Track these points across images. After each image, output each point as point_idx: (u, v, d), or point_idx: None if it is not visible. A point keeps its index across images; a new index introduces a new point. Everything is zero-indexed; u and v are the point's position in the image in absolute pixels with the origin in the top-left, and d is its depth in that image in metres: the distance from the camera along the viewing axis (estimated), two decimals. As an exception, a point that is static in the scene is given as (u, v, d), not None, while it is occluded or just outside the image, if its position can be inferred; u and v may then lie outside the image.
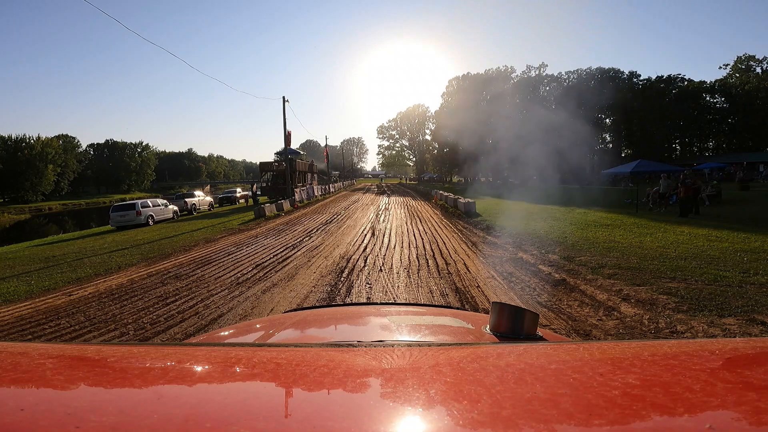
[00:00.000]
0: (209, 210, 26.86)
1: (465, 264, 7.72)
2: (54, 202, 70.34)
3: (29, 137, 70.83)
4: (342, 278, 7.02)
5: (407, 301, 5.58)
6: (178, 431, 0.36)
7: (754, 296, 4.71)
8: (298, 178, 33.27)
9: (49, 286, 7.33)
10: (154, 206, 20.02)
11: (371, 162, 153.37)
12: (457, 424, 0.36)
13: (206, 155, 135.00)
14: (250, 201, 28.62)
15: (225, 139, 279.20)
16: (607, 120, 60.17)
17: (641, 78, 58.40)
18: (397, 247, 9.83)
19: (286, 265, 8.28)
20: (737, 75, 54.79)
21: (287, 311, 1.84)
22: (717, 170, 35.06)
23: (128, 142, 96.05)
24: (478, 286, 6.20)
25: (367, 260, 8.39)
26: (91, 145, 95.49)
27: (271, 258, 9.03)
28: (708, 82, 56.73)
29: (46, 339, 4.85)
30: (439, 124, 65.48)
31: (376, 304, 3.94)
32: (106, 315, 5.56)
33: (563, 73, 60.33)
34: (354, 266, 7.90)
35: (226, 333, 1.60)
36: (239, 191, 34.74)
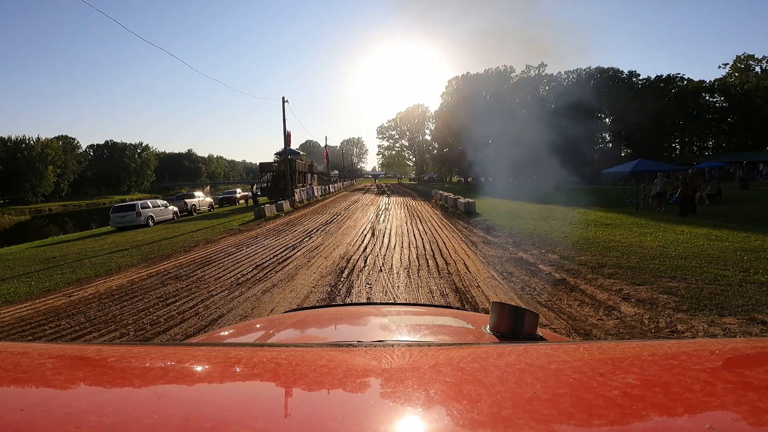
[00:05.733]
0: (209, 211, 26.85)
1: (465, 264, 7.72)
2: (54, 203, 70.36)
3: (29, 138, 70.94)
4: (342, 278, 7.02)
5: (407, 301, 5.58)
6: (178, 431, 0.36)
7: (754, 295, 4.71)
8: (298, 178, 33.26)
9: (49, 287, 7.33)
10: (154, 207, 20.01)
11: (371, 162, 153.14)
12: (457, 424, 0.36)
13: (206, 156, 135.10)
14: (250, 201, 28.60)
15: (225, 140, 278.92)
16: (607, 120, 60.18)
17: (641, 78, 58.45)
18: (397, 247, 9.83)
19: (286, 265, 8.28)
20: (736, 74, 54.77)
21: (287, 311, 1.84)
22: (717, 169, 35.06)
23: (128, 142, 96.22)
24: (478, 286, 6.20)
25: (367, 260, 8.39)
26: (91, 146, 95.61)
27: (271, 258, 9.03)
28: (707, 81, 56.74)
29: (46, 340, 4.84)
30: (438, 124, 65.51)
31: (376, 304, 3.94)
32: (106, 316, 5.56)
33: (563, 72, 60.37)
34: (354, 266, 7.90)
35: (226, 333, 1.60)
36: (239, 192, 34.73)
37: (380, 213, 18.96)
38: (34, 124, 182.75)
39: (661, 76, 57.56)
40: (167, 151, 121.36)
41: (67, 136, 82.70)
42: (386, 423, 0.37)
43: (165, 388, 0.47)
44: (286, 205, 21.57)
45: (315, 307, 2.28)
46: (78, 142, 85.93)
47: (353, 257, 8.77)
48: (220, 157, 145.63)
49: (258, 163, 36.00)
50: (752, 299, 4.59)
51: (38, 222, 46.59)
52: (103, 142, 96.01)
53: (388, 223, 14.68)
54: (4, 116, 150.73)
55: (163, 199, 23.33)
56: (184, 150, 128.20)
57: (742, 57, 55.00)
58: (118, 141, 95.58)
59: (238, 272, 7.81)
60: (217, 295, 6.33)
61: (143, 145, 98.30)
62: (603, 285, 5.59)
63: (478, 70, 60.40)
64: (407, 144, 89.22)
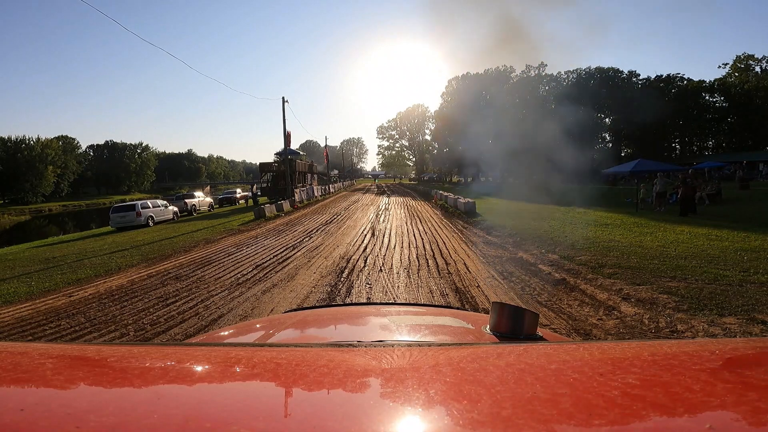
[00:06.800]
0: (209, 211, 26.85)
1: (465, 264, 7.72)
2: (54, 203, 70.38)
3: (29, 138, 70.97)
4: (342, 278, 7.02)
5: (407, 301, 5.58)
6: (178, 431, 0.36)
7: (754, 295, 4.71)
8: (298, 178, 33.26)
9: (49, 287, 7.33)
10: (154, 207, 20.00)
11: (371, 162, 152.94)
12: (457, 424, 0.36)
13: (206, 156, 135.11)
14: (250, 202, 28.60)
15: (225, 140, 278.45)
16: (607, 120, 60.21)
17: (640, 77, 58.49)
18: (397, 247, 9.83)
19: (286, 265, 8.28)
20: (736, 74, 54.77)
21: (287, 311, 1.84)
22: (716, 169, 35.05)
23: (128, 143, 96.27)
24: (478, 286, 6.20)
25: (367, 260, 8.39)
26: (91, 146, 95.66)
27: (271, 258, 9.03)
28: (707, 81, 56.76)
29: (46, 340, 4.84)
30: (438, 124, 65.57)
31: (376, 304, 3.94)
32: (106, 316, 5.56)
33: (562, 72, 60.36)
34: (354, 266, 7.90)
35: (226, 333, 1.60)
36: (239, 192, 34.72)
37: (380, 213, 18.96)
38: (34, 124, 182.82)
39: (661, 76, 57.65)
40: (167, 151, 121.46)
41: (67, 137, 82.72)
42: (386, 423, 0.37)
43: (165, 388, 0.47)
44: (286, 205, 21.57)
45: (315, 307, 2.28)
46: (78, 143, 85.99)
47: (353, 257, 8.77)
48: (220, 157, 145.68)
49: (258, 163, 36.00)
50: (752, 299, 4.59)
51: (38, 222, 46.60)
52: (103, 143, 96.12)
53: (388, 223, 14.68)
54: (4, 116, 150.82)
55: (163, 199, 23.32)
56: (184, 150, 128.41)
57: (742, 57, 54.99)
58: (118, 141, 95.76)
59: (238, 272, 7.81)
60: (217, 295, 6.33)
61: (143, 145, 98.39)
62: (603, 285, 5.59)
63: (478, 70, 60.41)
64: (407, 144, 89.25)
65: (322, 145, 58.01)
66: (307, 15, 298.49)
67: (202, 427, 0.36)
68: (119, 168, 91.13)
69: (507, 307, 1.00)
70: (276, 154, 35.56)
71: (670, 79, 57.37)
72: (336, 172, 74.74)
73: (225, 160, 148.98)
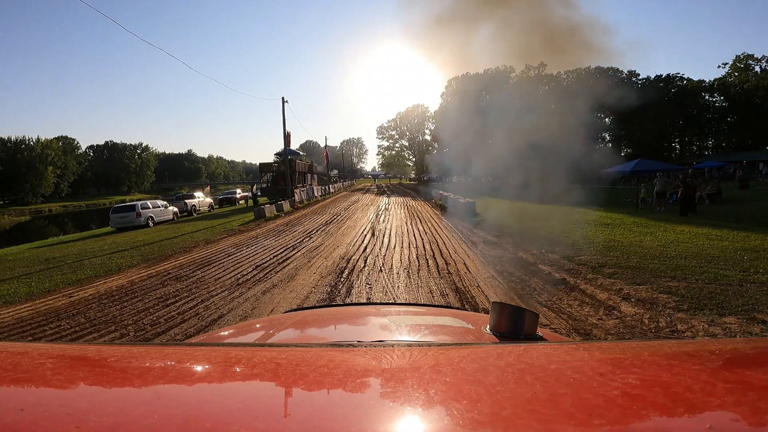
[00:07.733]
0: (209, 211, 26.84)
1: (465, 264, 7.72)
2: (54, 203, 70.38)
3: (29, 139, 71.00)
4: (342, 279, 7.02)
5: (407, 301, 5.58)
6: (178, 431, 0.36)
7: (754, 295, 4.71)
8: (298, 178, 33.24)
9: (49, 288, 7.33)
10: (154, 207, 19.99)
11: (371, 162, 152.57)
12: (457, 424, 0.36)
13: (206, 156, 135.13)
14: (250, 202, 28.63)
15: (224, 140, 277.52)
16: (607, 119, 60.21)
17: (640, 77, 58.44)
18: (397, 247, 9.83)
19: (286, 265, 8.28)
20: (736, 74, 54.78)
21: (287, 311, 1.84)
22: (716, 169, 35.07)
23: (128, 143, 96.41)
24: (478, 286, 6.20)
25: (367, 261, 8.39)
26: (91, 147, 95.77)
27: (271, 259, 9.02)
28: (707, 81, 56.76)
29: (46, 340, 4.84)
30: (438, 124, 65.55)
31: (376, 304, 3.94)
32: (106, 316, 5.56)
33: (562, 72, 60.30)
34: (354, 267, 7.90)
35: (226, 333, 1.60)
36: (239, 192, 34.74)
37: (380, 213, 18.96)
38: (34, 124, 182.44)
39: (661, 75, 57.59)
40: (167, 152, 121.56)
41: (66, 137, 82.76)
42: (386, 423, 0.37)
43: (165, 388, 0.47)
44: (286, 205, 21.56)
45: (315, 307, 2.28)
46: (78, 143, 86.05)
47: (353, 257, 8.77)
48: (220, 157, 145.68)
49: (258, 164, 36.02)
50: (752, 299, 4.59)
51: (38, 222, 46.60)
52: (103, 143, 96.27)
53: (388, 224, 14.68)
54: (4, 116, 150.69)
55: (163, 200, 23.30)
56: (183, 150, 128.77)
57: (741, 57, 54.99)
58: (118, 141, 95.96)
59: (238, 273, 7.81)
60: (217, 295, 6.33)
61: (143, 145, 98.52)
62: (603, 285, 5.59)
63: (478, 70, 60.40)
64: (407, 144, 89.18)
65: (322, 145, 57.98)
66: (306, 15, 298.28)
67: (202, 427, 0.36)
68: (119, 168, 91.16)
69: (507, 307, 1.00)
70: (276, 154, 35.52)
71: (670, 79, 57.33)
72: (336, 172, 74.63)
73: (225, 160, 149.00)
